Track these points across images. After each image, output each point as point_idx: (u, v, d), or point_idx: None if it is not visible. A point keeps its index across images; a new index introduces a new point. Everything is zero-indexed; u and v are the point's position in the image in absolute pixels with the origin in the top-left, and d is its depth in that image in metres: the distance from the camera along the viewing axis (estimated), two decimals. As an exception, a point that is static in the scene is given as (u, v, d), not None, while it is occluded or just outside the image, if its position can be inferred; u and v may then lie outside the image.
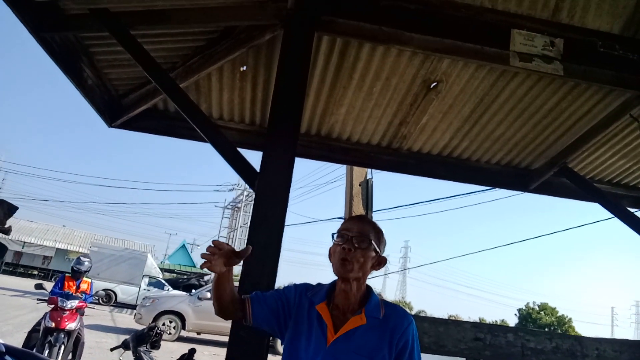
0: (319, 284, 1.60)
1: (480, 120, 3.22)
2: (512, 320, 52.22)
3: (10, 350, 3.40)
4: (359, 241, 1.46)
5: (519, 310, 51.09)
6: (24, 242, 31.66)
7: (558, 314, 47.87)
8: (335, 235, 1.53)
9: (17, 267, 31.56)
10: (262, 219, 2.06)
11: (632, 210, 3.56)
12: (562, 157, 3.38)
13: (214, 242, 1.37)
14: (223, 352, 11.15)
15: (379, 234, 1.54)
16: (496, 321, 52.42)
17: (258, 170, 2.21)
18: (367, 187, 4.48)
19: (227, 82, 3.03)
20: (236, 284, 1.78)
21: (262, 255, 2.02)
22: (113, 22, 2.32)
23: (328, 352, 1.39)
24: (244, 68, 2.90)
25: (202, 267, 1.36)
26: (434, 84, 2.95)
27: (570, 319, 47.62)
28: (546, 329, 46.92)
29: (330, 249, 1.54)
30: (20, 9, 2.11)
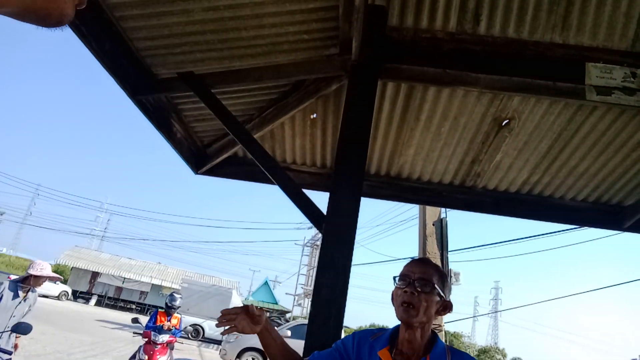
0: (381, 329, 1.59)
1: (560, 156, 3.07)
2: (627, 375, 45.99)
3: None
4: (421, 285, 1.43)
5: (633, 362, 44.93)
6: (124, 278, 34.44)
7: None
8: (397, 279, 1.51)
9: (118, 302, 34.24)
10: (329, 259, 2.12)
11: None
12: (659, 192, 3.08)
13: (222, 311, 1.45)
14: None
15: (442, 277, 1.50)
16: (606, 374, 46.37)
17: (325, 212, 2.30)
18: (441, 227, 4.36)
19: (298, 130, 3.21)
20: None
21: (329, 296, 2.07)
22: (197, 82, 2.61)
23: None
24: (314, 116, 3.07)
25: (224, 333, 1.47)
26: (505, 121, 2.88)
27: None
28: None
29: (392, 292, 1.52)
30: (121, 76, 2.46)
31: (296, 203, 2.62)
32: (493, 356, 51.77)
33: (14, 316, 4.57)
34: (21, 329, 3.17)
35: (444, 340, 5.13)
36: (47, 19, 0.67)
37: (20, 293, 4.68)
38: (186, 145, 3.36)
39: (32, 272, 4.67)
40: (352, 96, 2.44)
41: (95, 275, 34.44)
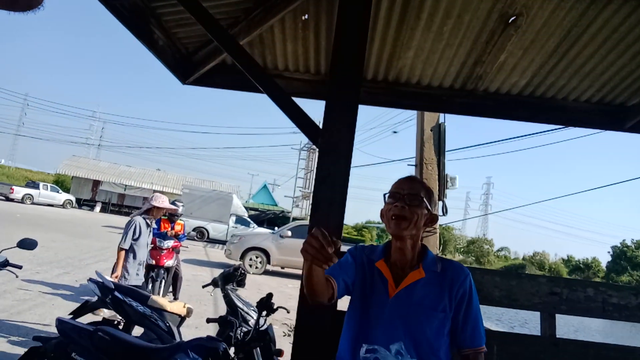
0: (373, 244, 1.68)
1: (568, 54, 2.89)
2: (605, 258, 49.35)
3: (118, 287, 3.90)
4: (410, 199, 1.50)
5: (613, 247, 48.00)
6: (126, 185, 35.17)
7: (659, 252, 44.37)
8: (387, 196, 1.56)
9: (122, 207, 35.33)
10: (326, 174, 2.09)
11: None
12: (666, 91, 2.96)
13: (313, 233, 1.24)
14: (305, 286, 11.88)
15: (429, 192, 1.57)
16: (587, 259, 49.86)
17: (321, 124, 2.21)
18: (439, 132, 4.29)
19: (289, 33, 2.98)
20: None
21: (327, 210, 2.07)
22: (175, -18, 2.35)
23: (392, 305, 1.47)
24: (306, 17, 2.83)
25: (321, 265, 1.24)
26: (512, 18, 2.66)
27: (671, 255, 43.94)
28: (644, 268, 43.83)
29: (381, 210, 1.58)
30: (90, -21, 2.20)
31: (288, 114, 2.51)
32: (481, 246, 55.09)
33: (146, 247, 5.11)
34: (27, 244, 3.23)
35: (438, 238, 5.28)
36: (14, 5, 0.72)
37: (147, 224, 5.06)
38: (170, 53, 3.14)
39: (155, 203, 4.98)
40: (347, -7, 2.22)
41: (96, 183, 35.09)
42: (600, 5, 2.46)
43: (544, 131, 7.61)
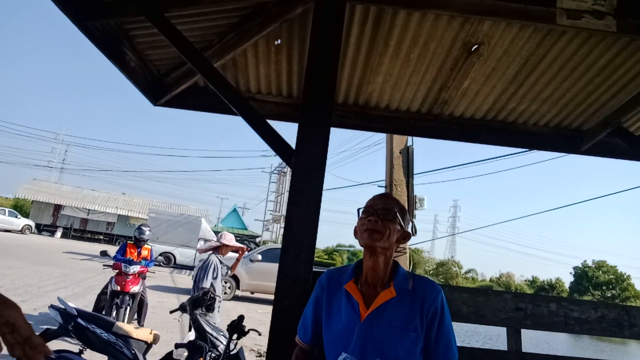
0: (344, 266, 1.67)
1: (526, 81, 3.07)
2: (568, 279, 50.85)
3: (81, 313, 3.76)
4: (384, 214, 1.51)
5: (575, 268, 49.57)
6: (89, 210, 34.02)
7: (617, 271, 46.08)
8: (360, 211, 1.58)
9: (85, 233, 34.08)
10: (299, 194, 2.12)
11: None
12: (616, 116, 3.17)
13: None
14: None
15: (402, 209, 1.58)
16: (551, 280, 51.23)
17: (294, 145, 2.26)
18: (407, 154, 4.41)
19: (262, 57, 3.04)
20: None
21: (301, 230, 2.09)
22: (148, 5, 2.37)
23: (362, 328, 1.45)
24: (279, 42, 2.90)
25: None
26: (475, 46, 2.82)
27: (629, 276, 45.71)
28: (604, 287, 45.40)
29: (355, 227, 1.59)
30: (63, 1, 2.20)
31: (261, 135, 2.54)
32: (450, 268, 55.84)
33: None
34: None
35: (407, 257, 5.33)
36: None
37: (221, 262, 5.17)
38: (142, 74, 3.14)
39: (224, 241, 5.18)
40: (319, 20, 2.31)
41: (58, 207, 33.81)
42: (555, 36, 2.64)
43: (509, 154, 7.92)
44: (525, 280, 54.33)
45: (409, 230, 1.60)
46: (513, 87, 3.15)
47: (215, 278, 4.94)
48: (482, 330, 15.11)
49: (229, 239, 5.29)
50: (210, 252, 5.22)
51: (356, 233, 1.58)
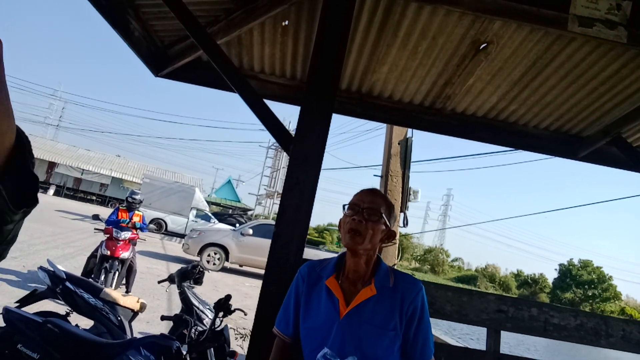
0: (325, 259, 1.66)
1: (531, 84, 3.06)
2: (552, 275, 51.71)
3: (69, 277, 3.79)
4: (369, 214, 1.48)
5: (560, 265, 50.34)
6: (83, 170, 33.90)
7: (602, 272, 46.89)
8: (346, 207, 1.55)
9: (77, 192, 34.06)
10: (294, 182, 2.12)
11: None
12: (616, 126, 3.17)
13: None
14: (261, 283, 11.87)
15: (390, 208, 1.56)
16: (535, 274, 52.06)
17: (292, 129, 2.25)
18: (406, 146, 4.41)
19: (268, 37, 3.00)
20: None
21: (293, 217, 2.10)
22: (156, -24, 2.32)
23: (341, 325, 1.46)
24: (286, 23, 2.85)
25: None
26: (483, 45, 2.79)
27: (610, 276, 46.54)
28: (586, 286, 46.23)
29: (340, 220, 1.58)
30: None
31: (259, 116, 2.52)
32: (437, 255, 56.50)
33: None
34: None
35: (396, 247, 5.36)
36: None
37: None
38: (145, 45, 3.09)
39: None
40: (329, 5, 2.27)
41: (52, 165, 33.65)
42: (564, 42, 2.61)
43: (504, 151, 7.92)
44: (511, 273, 55.14)
45: (397, 225, 1.61)
46: (517, 88, 3.13)
47: None
48: (464, 326, 15.37)
49: None
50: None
51: (340, 227, 1.58)
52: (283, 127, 2.32)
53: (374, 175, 4.55)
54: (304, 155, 2.12)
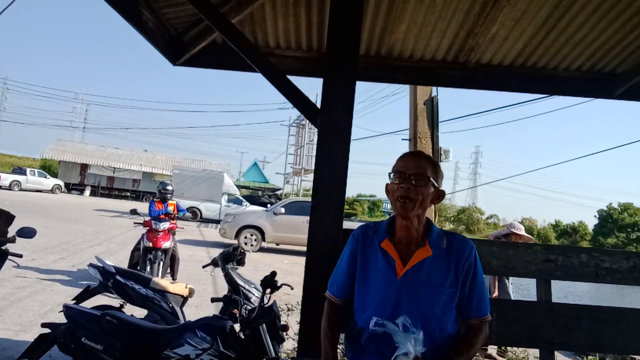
0: (377, 222, 1.67)
1: (558, 24, 2.91)
2: (592, 222, 50.50)
3: (119, 271, 3.94)
4: (417, 179, 1.48)
5: (599, 211, 49.07)
6: (114, 168, 34.83)
7: (643, 213, 45.49)
8: (391, 175, 1.54)
9: (112, 190, 35.12)
10: (326, 154, 2.11)
11: None
12: (654, 57, 3.00)
13: None
14: (300, 259, 12.09)
15: (436, 168, 1.55)
16: (574, 223, 50.96)
17: (318, 101, 2.23)
18: (432, 105, 4.30)
19: (280, 10, 2.94)
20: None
21: (328, 189, 2.11)
22: (163, -38, 2.30)
23: (400, 285, 1.49)
24: (297, -7, 2.79)
25: None
26: (504, -11, 2.66)
27: (655, 216, 45.10)
28: (628, 230, 45.02)
29: (387, 186, 1.57)
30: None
31: (283, 92, 2.51)
32: (471, 214, 55.90)
33: None
34: (25, 233, 3.23)
35: (433, 209, 5.30)
36: None
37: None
38: (159, 34, 3.09)
39: (514, 230, 4.99)
40: (339, -31, 2.20)
41: (84, 167, 34.69)
42: (592, -26, 2.46)
43: (533, 100, 7.65)
44: (548, 225, 54.16)
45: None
46: (544, 30, 2.99)
47: None
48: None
49: (519, 228, 5.18)
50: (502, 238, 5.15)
51: (388, 193, 1.57)
52: (308, 100, 2.30)
53: (402, 139, 4.49)
54: (332, 125, 2.10)
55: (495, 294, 5.03)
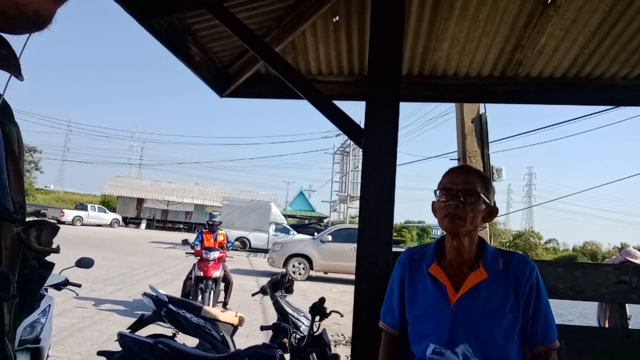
0: (424, 245, 1.56)
1: (612, 31, 2.76)
2: (664, 244, 46.67)
3: (171, 300, 4.00)
4: (465, 195, 1.37)
5: (672, 231, 45.29)
6: (168, 201, 36.26)
7: None
8: (437, 192, 1.44)
9: (166, 223, 36.44)
10: (371, 173, 2.07)
11: None
12: None
13: None
14: (349, 288, 11.88)
15: (486, 183, 1.43)
16: (643, 245, 47.28)
17: (361, 125, 2.20)
18: (480, 123, 4.17)
19: (321, 36, 2.99)
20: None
21: (376, 210, 2.05)
22: (208, -3, 2.39)
23: (455, 313, 1.36)
24: (337, 19, 2.82)
25: None
26: (551, -2, 2.57)
27: None
28: None
29: (433, 204, 1.47)
30: (127, 2, 2.28)
31: (328, 116, 2.50)
32: (528, 239, 53.22)
33: None
34: (84, 263, 3.37)
35: (488, 233, 5.07)
36: (15, 29, 0.56)
37: None
38: (206, 67, 3.21)
39: (628, 257, 4.73)
40: (378, -9, 2.21)
41: (140, 201, 36.33)
42: (647, -25, 2.33)
43: (588, 114, 7.28)
44: (614, 248, 50.56)
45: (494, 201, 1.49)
46: (597, 38, 2.84)
47: None
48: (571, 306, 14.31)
49: (635, 255, 4.82)
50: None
51: (434, 211, 1.48)
52: (353, 121, 2.28)
53: (451, 159, 4.35)
54: (376, 144, 2.06)
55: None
